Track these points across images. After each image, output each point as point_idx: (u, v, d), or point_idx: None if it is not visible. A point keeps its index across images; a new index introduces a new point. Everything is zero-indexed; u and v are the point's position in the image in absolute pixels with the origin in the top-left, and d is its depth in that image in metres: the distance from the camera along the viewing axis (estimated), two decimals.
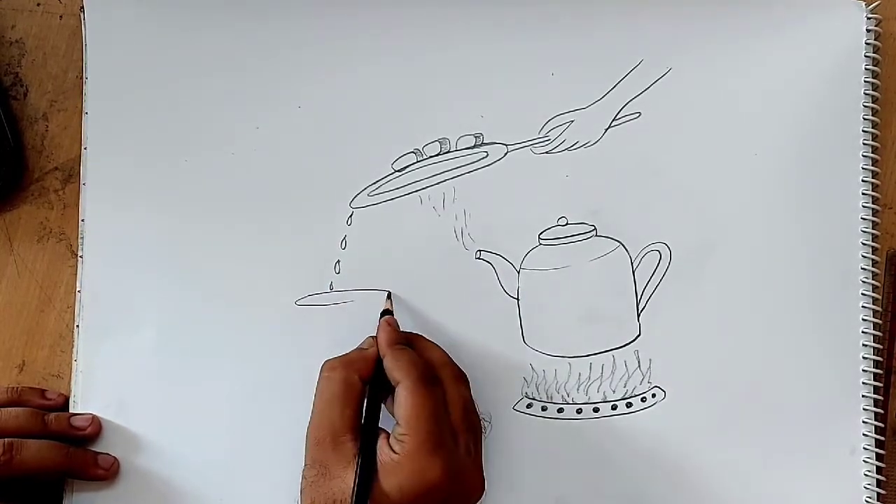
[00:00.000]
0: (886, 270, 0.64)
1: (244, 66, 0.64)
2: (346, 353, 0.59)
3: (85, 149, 0.64)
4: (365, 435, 0.55)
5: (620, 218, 0.63)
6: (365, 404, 0.57)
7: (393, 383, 0.56)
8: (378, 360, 0.58)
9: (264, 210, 0.63)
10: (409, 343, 0.59)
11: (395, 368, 0.56)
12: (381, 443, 0.55)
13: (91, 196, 0.63)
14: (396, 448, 0.54)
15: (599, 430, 0.62)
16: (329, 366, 0.58)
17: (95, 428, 0.61)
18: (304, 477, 0.55)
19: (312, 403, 0.57)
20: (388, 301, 0.62)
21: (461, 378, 0.58)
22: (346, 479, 0.54)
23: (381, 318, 0.61)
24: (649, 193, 0.64)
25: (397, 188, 0.63)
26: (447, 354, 0.59)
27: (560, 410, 0.63)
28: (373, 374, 0.58)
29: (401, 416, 0.55)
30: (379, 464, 0.54)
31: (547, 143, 0.64)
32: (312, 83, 0.64)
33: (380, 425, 0.56)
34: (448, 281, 0.63)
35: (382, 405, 0.58)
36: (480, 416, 0.59)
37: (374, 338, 0.60)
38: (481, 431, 0.59)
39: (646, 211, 0.63)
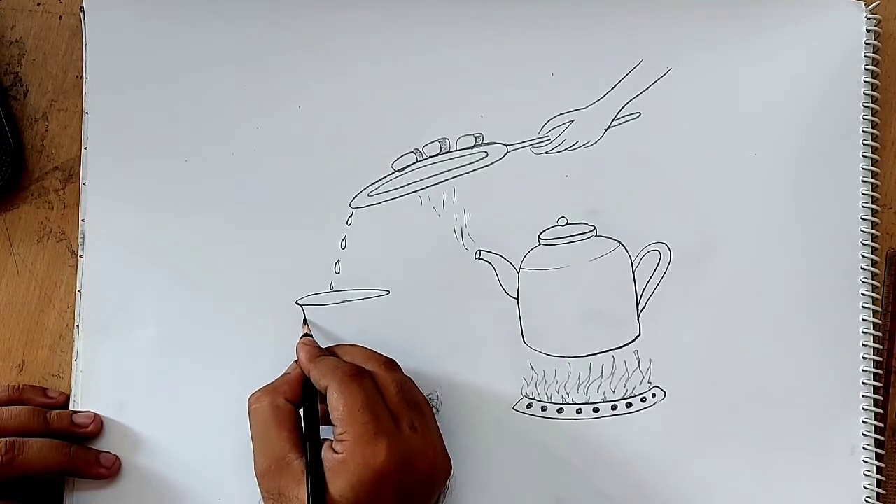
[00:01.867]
0: (886, 270, 0.64)
1: (244, 66, 0.64)
2: (269, 383, 0.59)
3: (85, 149, 0.64)
4: (308, 445, 0.55)
5: (620, 218, 0.63)
6: (302, 422, 0.57)
7: (322, 391, 0.56)
8: (306, 380, 0.58)
9: (264, 210, 0.63)
10: (331, 353, 0.59)
11: (321, 376, 0.56)
12: (325, 449, 0.55)
13: (91, 196, 0.63)
14: (338, 448, 0.54)
15: (599, 430, 0.62)
16: (254, 398, 0.58)
17: (97, 426, 0.61)
18: None
19: (251, 440, 0.57)
20: (305, 325, 0.62)
21: (389, 364, 0.58)
22: (301, 497, 0.53)
23: (299, 340, 0.61)
24: (649, 193, 0.64)
25: (397, 188, 0.63)
26: (369, 349, 0.59)
27: (560, 410, 0.63)
28: (302, 393, 0.58)
29: (335, 417, 0.55)
30: (326, 470, 0.54)
31: (547, 143, 0.64)
32: (312, 83, 0.64)
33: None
34: (448, 281, 0.63)
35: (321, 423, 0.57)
36: (427, 395, 0.59)
37: (297, 361, 0.60)
38: (429, 407, 0.58)
39: (646, 211, 0.63)
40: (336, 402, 0.55)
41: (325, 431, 0.57)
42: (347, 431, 0.54)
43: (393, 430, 0.54)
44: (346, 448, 0.54)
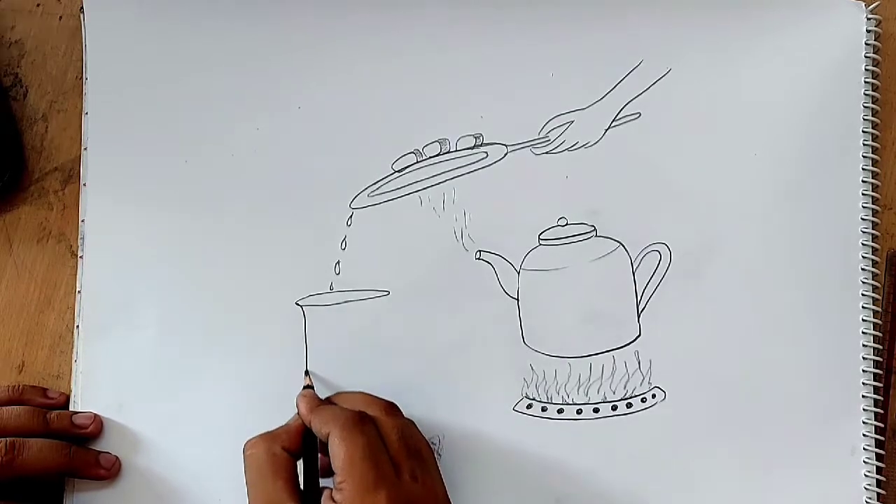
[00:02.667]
0: (886, 270, 0.64)
1: (244, 66, 0.64)
2: (268, 431, 0.58)
3: (85, 149, 0.64)
4: (307, 496, 0.55)
5: (620, 218, 0.63)
6: (302, 474, 0.56)
7: (324, 439, 0.55)
8: (307, 431, 0.57)
9: (264, 210, 0.63)
10: (331, 403, 0.59)
11: (322, 424, 0.55)
12: (325, 498, 0.54)
13: (91, 196, 0.63)
14: (337, 498, 0.53)
15: (599, 430, 0.62)
16: (249, 444, 0.57)
17: (97, 426, 0.61)
18: None
19: (246, 486, 0.56)
20: (307, 377, 0.62)
21: (391, 408, 0.57)
22: None
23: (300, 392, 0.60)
24: (649, 194, 0.64)
25: (397, 189, 0.63)
26: (369, 395, 0.59)
27: (560, 411, 0.63)
28: (302, 444, 0.57)
29: (336, 466, 0.53)
30: None
31: (547, 143, 0.64)
32: (312, 83, 0.64)
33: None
34: (448, 281, 0.63)
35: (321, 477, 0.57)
36: (429, 440, 0.58)
37: (297, 414, 0.59)
38: (431, 453, 0.57)
39: (646, 211, 0.63)
40: (337, 450, 0.54)
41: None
42: (347, 481, 0.53)
43: (393, 480, 0.53)
44: (345, 497, 0.52)
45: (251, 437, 0.57)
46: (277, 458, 0.55)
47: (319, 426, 0.56)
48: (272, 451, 0.56)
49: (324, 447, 0.56)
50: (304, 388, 0.61)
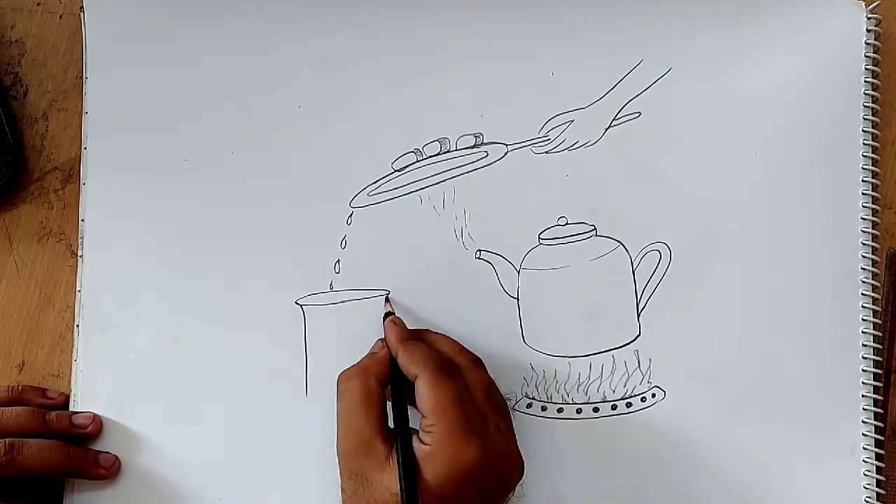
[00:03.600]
0: (886, 270, 0.64)
1: (244, 66, 0.64)
2: (358, 361, 0.58)
3: (85, 149, 0.64)
4: (399, 434, 0.55)
5: (620, 218, 0.63)
6: (390, 406, 0.57)
7: (411, 378, 0.56)
8: (392, 360, 0.58)
9: (264, 210, 0.63)
10: (419, 338, 0.59)
11: (411, 363, 0.56)
12: (413, 439, 0.55)
13: (91, 196, 0.63)
14: (426, 440, 0.54)
15: (599, 430, 0.62)
16: (345, 377, 0.57)
17: (97, 426, 0.61)
18: (343, 490, 0.55)
19: (336, 416, 0.56)
20: (388, 304, 0.62)
21: (477, 362, 0.58)
22: (385, 482, 0.53)
23: (384, 320, 0.61)
24: (649, 193, 0.64)
25: (397, 188, 0.63)
26: (458, 342, 0.59)
27: (560, 410, 0.63)
28: (390, 375, 0.58)
29: (425, 409, 0.55)
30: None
31: (547, 142, 0.64)
32: (312, 83, 0.64)
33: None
34: (448, 281, 0.63)
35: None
36: (506, 397, 0.59)
37: (383, 340, 0.60)
38: (508, 411, 0.59)
39: (646, 211, 0.63)
40: (426, 393, 0.55)
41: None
42: (437, 424, 0.54)
43: (482, 430, 0.54)
44: (435, 441, 0.54)
45: (345, 369, 0.58)
46: (371, 392, 0.56)
47: (407, 364, 0.56)
48: (367, 385, 0.56)
49: (409, 382, 0.57)
50: (387, 314, 0.61)
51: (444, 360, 0.56)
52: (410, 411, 0.57)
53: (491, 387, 0.58)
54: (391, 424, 0.56)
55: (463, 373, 0.57)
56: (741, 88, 0.64)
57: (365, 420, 0.55)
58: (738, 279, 0.63)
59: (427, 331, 0.61)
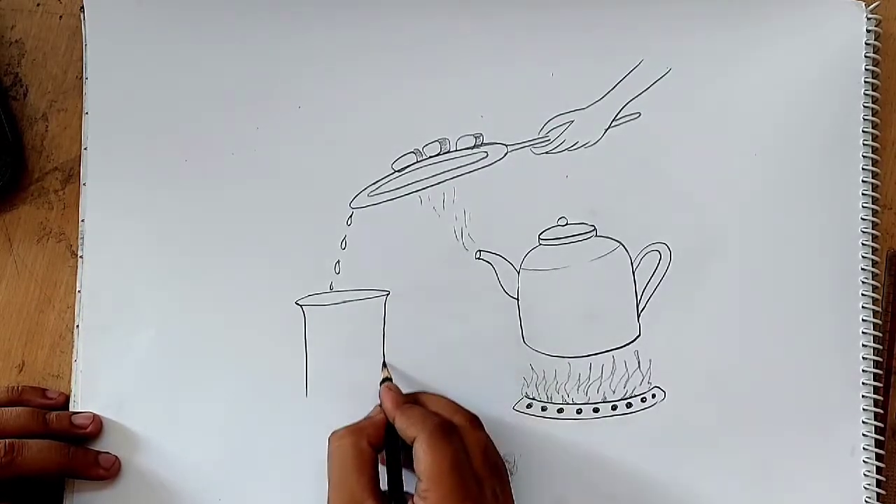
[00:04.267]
0: (886, 270, 0.65)
1: (244, 66, 0.64)
2: (354, 423, 0.58)
3: (85, 149, 0.64)
4: (394, 499, 0.55)
5: (620, 218, 0.63)
6: (386, 471, 0.56)
7: (408, 441, 0.55)
8: (388, 425, 0.57)
9: (264, 210, 0.63)
10: (415, 401, 0.59)
11: (409, 426, 0.56)
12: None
13: (91, 196, 0.63)
14: None
15: (599, 430, 0.62)
16: (337, 436, 0.57)
17: (97, 426, 0.61)
18: None
19: (327, 476, 0.56)
20: (385, 369, 0.62)
21: (475, 422, 0.58)
22: None
23: (380, 384, 0.60)
24: (649, 193, 0.64)
25: (397, 188, 0.63)
26: (454, 402, 0.59)
27: (560, 411, 0.63)
28: (385, 439, 0.57)
29: (422, 472, 0.54)
30: None
31: (547, 143, 0.64)
32: (312, 83, 0.64)
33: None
34: (448, 281, 0.63)
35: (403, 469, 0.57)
36: (504, 458, 0.58)
37: (379, 406, 0.59)
38: (506, 473, 0.58)
39: (646, 211, 0.63)
40: (424, 456, 0.54)
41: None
42: (432, 490, 0.53)
43: (477, 496, 0.54)
44: None
45: (337, 429, 0.57)
46: (363, 453, 0.55)
47: (405, 427, 0.56)
48: (359, 446, 0.56)
49: (405, 445, 0.56)
50: (384, 380, 0.61)
51: (442, 421, 0.56)
52: (405, 475, 0.56)
53: (489, 448, 0.57)
54: (383, 487, 0.56)
55: (461, 433, 0.56)
56: (741, 88, 0.64)
57: (357, 481, 0.54)
58: (738, 279, 0.63)
59: (422, 393, 0.60)
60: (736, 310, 0.63)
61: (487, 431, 0.58)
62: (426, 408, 0.58)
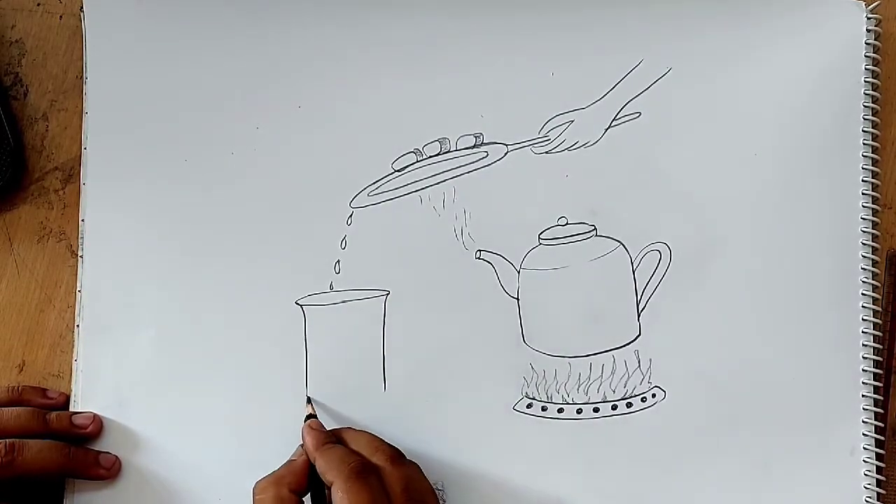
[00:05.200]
0: (886, 270, 0.64)
1: (244, 66, 0.64)
2: (275, 470, 0.57)
3: (85, 149, 0.64)
4: None
5: (620, 218, 0.63)
6: None
7: (328, 484, 0.55)
8: (312, 466, 0.57)
9: (264, 210, 0.63)
10: (338, 439, 0.58)
11: (326, 470, 0.55)
12: None
13: (91, 196, 0.63)
14: None
15: (599, 430, 0.62)
16: (259, 488, 0.56)
17: (97, 426, 0.61)
18: None
19: None
20: (309, 405, 0.61)
21: (397, 457, 0.56)
22: None
23: (304, 421, 0.60)
24: (649, 193, 0.64)
25: (397, 188, 0.63)
26: (377, 438, 0.58)
27: (560, 410, 0.63)
28: (309, 481, 0.56)
29: None
30: None
31: (547, 143, 0.64)
32: (312, 83, 0.64)
33: None
34: (448, 281, 0.63)
35: None
36: (434, 486, 0.57)
37: (303, 447, 0.58)
38: (436, 500, 0.57)
39: (646, 211, 0.63)
40: (340, 501, 0.53)
41: None
42: None
43: None
44: None
45: (260, 479, 0.56)
46: (283, 501, 0.55)
47: (324, 470, 0.55)
48: (280, 495, 0.55)
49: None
50: (308, 416, 0.60)
51: (357, 463, 0.55)
52: None
53: (412, 483, 0.55)
54: None
55: (381, 473, 0.55)
56: (741, 88, 0.64)
57: None
58: (738, 279, 0.63)
59: (346, 429, 0.59)
60: (736, 310, 0.63)
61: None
62: (347, 446, 0.57)
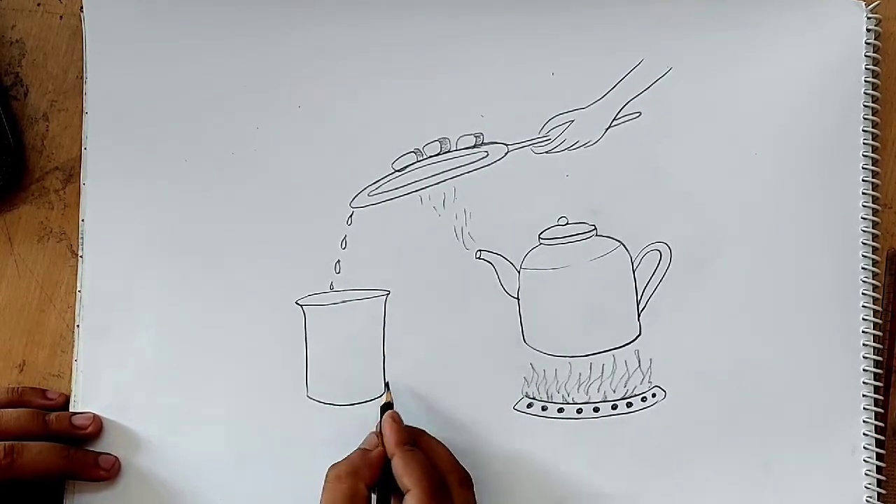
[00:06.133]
0: (886, 270, 0.64)
1: (244, 65, 0.64)
2: (351, 457, 0.57)
3: (85, 149, 0.64)
4: None
5: (620, 218, 0.63)
6: None
7: (403, 490, 0.56)
8: (385, 462, 0.57)
9: (264, 210, 0.63)
10: (415, 441, 0.58)
11: (406, 475, 0.56)
12: None
13: (91, 196, 0.63)
14: None
15: (599, 430, 0.62)
16: (334, 475, 0.56)
17: (97, 427, 0.61)
18: None
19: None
20: (388, 392, 0.61)
21: (466, 482, 0.58)
22: None
23: (381, 412, 0.60)
24: (649, 193, 0.64)
25: (397, 188, 0.64)
26: (451, 454, 0.59)
27: (560, 410, 0.63)
28: (379, 478, 0.57)
29: None
30: None
31: (547, 142, 0.64)
32: (312, 83, 0.64)
33: None
34: (448, 281, 0.63)
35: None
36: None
37: (377, 435, 0.59)
38: None
39: (646, 211, 0.63)
40: None
41: None
42: None
43: None
44: None
45: (336, 462, 0.57)
46: (358, 495, 0.56)
47: (402, 474, 0.56)
48: (356, 489, 0.56)
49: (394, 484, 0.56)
50: (385, 405, 0.60)
51: (437, 478, 0.56)
52: None
53: None
54: None
55: (452, 494, 0.56)
56: (741, 88, 0.64)
57: None
58: (738, 279, 0.63)
59: (423, 434, 0.60)
60: (736, 309, 0.63)
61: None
62: (427, 454, 0.58)
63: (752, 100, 0.64)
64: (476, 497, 0.58)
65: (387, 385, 0.62)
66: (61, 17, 0.66)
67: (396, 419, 0.59)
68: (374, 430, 0.59)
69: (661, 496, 0.62)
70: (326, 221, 0.63)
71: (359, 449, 0.58)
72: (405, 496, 0.55)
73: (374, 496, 0.57)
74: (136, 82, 0.64)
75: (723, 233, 0.64)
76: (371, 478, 0.57)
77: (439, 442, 0.59)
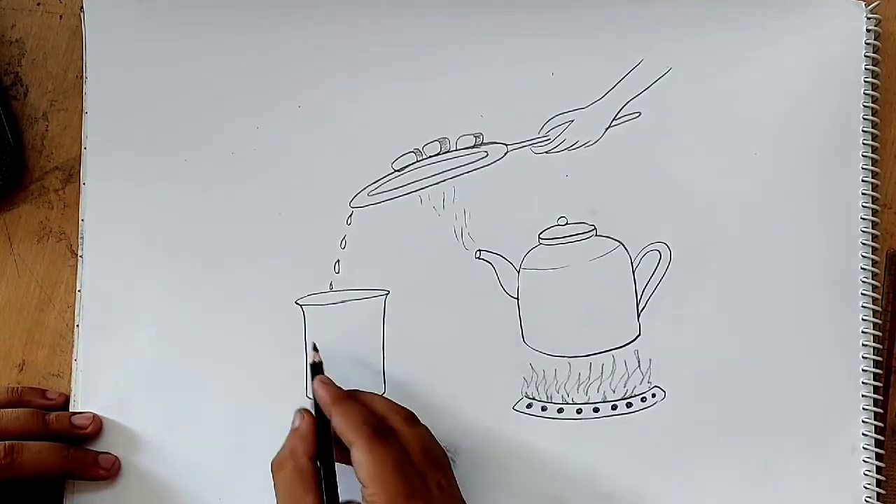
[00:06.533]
0: (886, 270, 0.65)
1: (244, 65, 0.64)
2: (284, 443, 0.57)
3: (85, 149, 0.64)
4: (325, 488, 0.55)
5: (620, 218, 0.63)
6: (322, 479, 0.56)
7: (347, 444, 0.55)
8: (319, 430, 0.57)
9: (264, 210, 0.63)
10: (350, 396, 0.58)
11: (347, 430, 0.55)
12: None
13: (91, 196, 0.63)
14: None
15: (599, 430, 0.62)
16: (277, 465, 0.56)
17: (96, 426, 0.61)
18: None
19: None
20: (315, 353, 0.60)
21: (411, 418, 0.57)
22: None
23: (312, 373, 0.59)
24: (649, 193, 0.64)
25: (397, 188, 0.64)
26: (390, 401, 0.58)
27: (560, 410, 0.63)
28: (317, 446, 0.57)
29: (364, 477, 0.53)
30: None
31: (547, 142, 0.64)
32: (312, 83, 0.64)
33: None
34: (448, 281, 0.63)
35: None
36: (445, 448, 0.58)
37: (301, 411, 0.58)
38: (449, 464, 0.57)
39: (646, 211, 0.63)
40: (364, 461, 0.54)
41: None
42: (378, 493, 0.53)
43: (424, 492, 0.54)
44: None
45: (275, 454, 0.57)
46: (304, 472, 0.55)
47: (343, 429, 0.55)
48: (299, 468, 0.56)
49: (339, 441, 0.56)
50: (313, 364, 0.59)
51: (377, 426, 0.55)
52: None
53: (427, 442, 0.57)
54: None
55: (398, 434, 0.56)
56: (741, 88, 0.64)
57: (312, 502, 0.55)
58: (738, 279, 0.63)
59: (356, 391, 0.59)
60: (736, 309, 0.63)
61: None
62: (363, 405, 0.57)
63: (752, 100, 0.64)
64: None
65: (314, 346, 0.60)
66: (61, 16, 0.66)
67: (325, 380, 0.58)
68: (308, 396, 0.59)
69: (661, 496, 0.62)
70: (326, 221, 0.63)
71: (289, 432, 0.58)
72: (352, 451, 0.54)
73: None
74: (135, 82, 0.64)
75: (723, 233, 0.64)
76: (309, 449, 0.56)
77: (374, 393, 0.59)
